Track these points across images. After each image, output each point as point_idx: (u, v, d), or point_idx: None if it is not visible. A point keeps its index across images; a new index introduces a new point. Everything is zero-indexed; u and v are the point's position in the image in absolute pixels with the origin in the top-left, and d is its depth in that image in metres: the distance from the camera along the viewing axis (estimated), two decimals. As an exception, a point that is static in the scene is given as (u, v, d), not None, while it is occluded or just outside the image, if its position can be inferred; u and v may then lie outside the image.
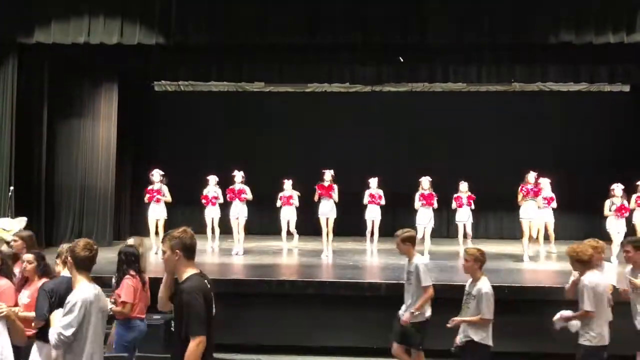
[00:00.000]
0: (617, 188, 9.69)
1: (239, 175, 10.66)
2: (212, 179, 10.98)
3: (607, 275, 5.61)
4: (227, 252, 10.67)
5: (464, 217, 10.88)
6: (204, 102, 14.28)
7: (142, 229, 11.20)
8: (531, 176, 9.94)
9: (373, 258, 10.43)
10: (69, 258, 3.95)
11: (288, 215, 11.14)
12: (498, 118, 13.79)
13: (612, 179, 10.18)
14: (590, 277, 5.02)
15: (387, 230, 12.43)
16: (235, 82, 13.29)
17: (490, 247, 11.97)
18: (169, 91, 14.34)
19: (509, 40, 10.25)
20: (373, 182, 10.92)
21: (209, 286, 3.55)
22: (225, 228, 11.15)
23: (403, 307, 5.92)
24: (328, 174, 10.47)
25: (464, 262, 5.47)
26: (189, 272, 3.50)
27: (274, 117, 14.18)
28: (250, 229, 12.04)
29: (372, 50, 11.12)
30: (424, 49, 10.83)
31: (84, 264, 3.90)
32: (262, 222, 12.92)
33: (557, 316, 5.26)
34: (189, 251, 3.51)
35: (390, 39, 10.44)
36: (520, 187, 9.99)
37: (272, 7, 9.84)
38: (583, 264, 5.06)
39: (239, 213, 10.54)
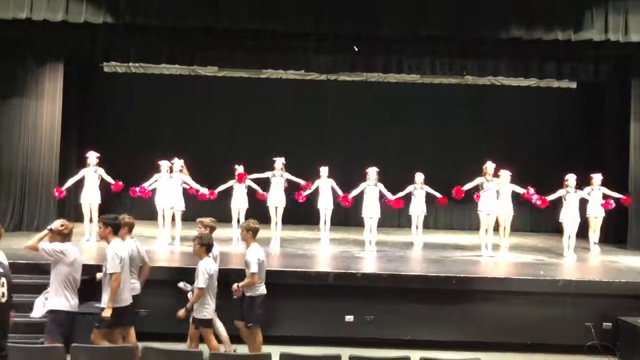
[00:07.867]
0: (571, 178, 9.83)
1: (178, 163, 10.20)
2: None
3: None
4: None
5: (417, 209, 11.19)
6: (156, 84, 13.89)
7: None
8: (490, 167, 9.84)
9: (324, 247, 10.37)
10: None
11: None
12: (452, 110, 13.93)
13: (558, 173, 10.37)
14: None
15: (339, 220, 12.43)
16: (186, 65, 12.97)
17: (439, 237, 12.24)
18: (118, 72, 13.90)
19: (461, 34, 10.39)
20: (324, 170, 10.85)
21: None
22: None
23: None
24: (279, 162, 10.36)
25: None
26: None
27: (227, 102, 13.97)
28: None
29: (327, 39, 11.08)
30: (379, 39, 10.84)
31: None
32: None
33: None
34: None
35: (345, 28, 10.43)
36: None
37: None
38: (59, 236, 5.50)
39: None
